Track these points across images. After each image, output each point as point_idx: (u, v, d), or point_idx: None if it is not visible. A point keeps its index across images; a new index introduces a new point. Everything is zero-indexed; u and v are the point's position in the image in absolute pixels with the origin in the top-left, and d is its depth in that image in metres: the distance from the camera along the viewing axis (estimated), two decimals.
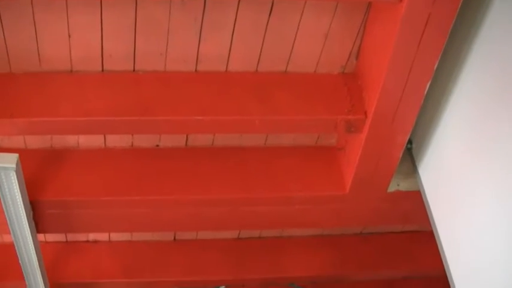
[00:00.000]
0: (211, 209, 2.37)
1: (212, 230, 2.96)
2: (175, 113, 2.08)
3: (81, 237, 3.15)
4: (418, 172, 2.33)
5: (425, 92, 2.02)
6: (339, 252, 3.30)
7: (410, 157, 2.38)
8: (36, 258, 2.57)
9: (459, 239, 2.16)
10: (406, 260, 3.43)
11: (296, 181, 2.33)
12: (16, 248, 2.52)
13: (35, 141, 2.41)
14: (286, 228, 3.02)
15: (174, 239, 3.18)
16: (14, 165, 1.99)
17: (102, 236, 3.15)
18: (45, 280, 2.83)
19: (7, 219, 2.28)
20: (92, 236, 3.15)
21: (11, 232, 2.38)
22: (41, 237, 2.85)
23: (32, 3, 1.87)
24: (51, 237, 3.10)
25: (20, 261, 2.62)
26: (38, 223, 2.40)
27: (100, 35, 2.00)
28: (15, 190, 2.07)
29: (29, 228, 2.32)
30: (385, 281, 3.77)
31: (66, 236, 3.13)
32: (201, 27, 1.99)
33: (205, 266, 3.15)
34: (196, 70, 2.16)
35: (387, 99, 2.01)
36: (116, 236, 3.15)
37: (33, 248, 2.49)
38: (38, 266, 2.64)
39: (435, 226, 2.22)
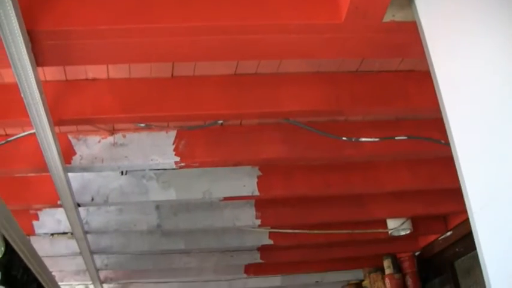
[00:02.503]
0: (208, 37, 2.38)
1: (209, 60, 2.99)
2: None
3: (80, 75, 3.19)
4: (414, 2, 2.31)
5: None
6: (334, 88, 3.35)
7: None
8: (38, 91, 2.62)
9: (457, 78, 2.18)
10: (401, 99, 3.48)
11: (292, 9, 2.32)
12: (18, 83, 2.57)
13: None
14: (283, 58, 3.05)
15: (172, 75, 3.22)
16: None
17: (101, 74, 3.19)
18: (48, 115, 2.90)
19: (7, 52, 2.30)
20: (90, 74, 3.19)
21: (12, 66, 2.41)
22: (41, 76, 2.88)
23: None
24: (50, 75, 3.14)
25: (22, 96, 2.67)
26: (37, 55, 2.42)
27: None
28: (12, 18, 2.06)
29: (28, 60, 2.35)
30: (378, 122, 3.88)
31: (65, 75, 3.17)
32: None
33: (202, 100, 3.22)
34: None
35: None
36: (114, 74, 3.19)
37: (34, 81, 2.54)
38: (41, 100, 2.70)
39: (431, 62, 2.22)
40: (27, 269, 4.06)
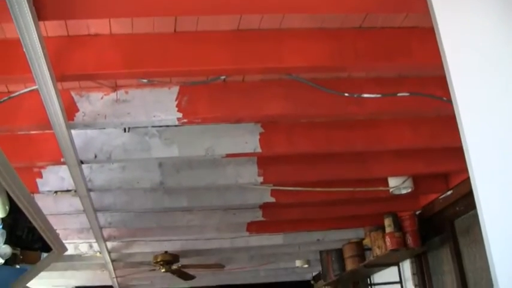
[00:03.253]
0: None
1: (212, 14, 2.97)
2: None
3: (82, 30, 3.17)
4: None
5: None
6: (337, 44, 3.34)
7: None
8: (40, 46, 2.62)
9: (460, 34, 2.16)
10: (404, 55, 3.45)
11: None
12: (20, 37, 2.56)
13: None
14: (286, 13, 3.04)
15: (175, 30, 3.20)
16: None
17: (103, 29, 3.17)
18: (50, 70, 2.90)
19: (8, 5, 2.29)
20: (93, 29, 3.18)
21: (14, 19, 2.40)
22: (43, 32, 2.87)
23: None
24: (52, 31, 3.12)
25: (25, 51, 2.67)
26: (38, 9, 2.42)
27: None
28: None
29: (30, 14, 2.34)
30: (381, 79, 3.87)
31: (67, 30, 3.16)
32: None
33: (205, 56, 3.21)
34: None
35: None
36: (116, 29, 3.17)
37: (36, 35, 2.53)
38: (43, 54, 2.70)
39: (435, 18, 2.20)
40: (31, 229, 4.09)
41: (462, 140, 2.08)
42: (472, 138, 2.09)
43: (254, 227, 6.66)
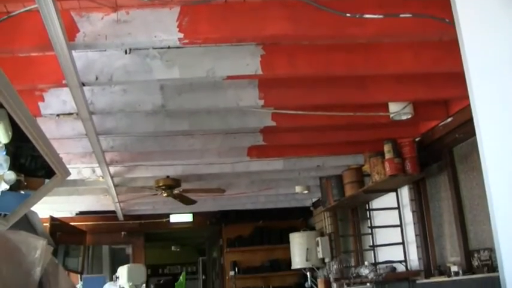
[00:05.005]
0: None
1: None
2: None
3: None
4: None
5: None
6: None
7: None
8: None
9: None
10: None
11: None
12: None
13: None
14: None
15: None
16: None
17: None
18: None
19: None
20: None
21: None
22: None
23: None
24: None
25: None
26: None
27: None
28: None
29: None
30: (383, 0, 3.83)
31: None
32: None
33: None
34: None
35: None
36: None
37: None
38: None
39: None
40: (35, 157, 4.12)
41: (464, 63, 2.08)
42: (473, 62, 2.10)
43: (255, 152, 6.72)
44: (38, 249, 1.87)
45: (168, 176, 7.59)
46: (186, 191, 8.03)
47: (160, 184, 7.66)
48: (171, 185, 7.67)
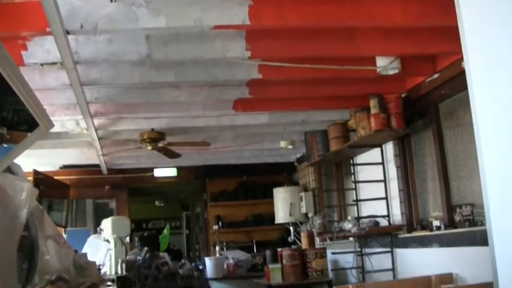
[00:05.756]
0: None
1: None
2: None
3: None
4: None
5: None
6: None
7: None
8: None
9: None
10: None
11: None
12: None
13: None
14: None
15: None
16: None
17: None
18: None
19: None
20: None
21: None
22: None
23: None
24: None
25: None
26: None
27: None
28: None
29: None
30: None
31: None
32: None
33: None
34: None
35: None
36: None
37: None
38: None
39: None
40: (17, 111, 4.05)
41: (458, 18, 2.07)
42: (467, 16, 2.09)
43: (240, 105, 6.68)
44: (24, 191, 1.86)
45: (152, 129, 7.55)
46: (171, 144, 8.00)
47: (145, 137, 7.63)
48: (155, 138, 7.64)
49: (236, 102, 6.62)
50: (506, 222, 1.97)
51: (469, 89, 2.10)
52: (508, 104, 2.01)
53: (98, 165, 10.40)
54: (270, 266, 7.56)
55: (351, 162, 8.11)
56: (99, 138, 7.82)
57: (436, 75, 6.03)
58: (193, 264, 7.79)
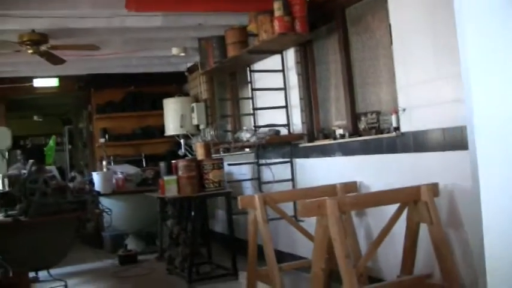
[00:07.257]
0: None
1: None
2: None
3: None
4: None
5: None
6: None
7: None
8: None
9: None
10: None
11: None
12: None
13: None
14: None
15: None
16: None
17: None
18: None
19: None
20: None
21: None
22: None
23: None
24: None
25: None
26: None
27: None
28: None
29: None
30: None
31: None
32: None
33: None
34: None
35: None
36: None
37: None
38: None
39: None
40: None
41: None
42: None
43: (133, 4, 6.02)
44: None
45: (33, 30, 6.75)
46: (55, 47, 7.22)
47: (25, 39, 6.81)
48: (37, 40, 6.84)
49: (129, 0, 5.96)
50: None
51: None
52: None
53: None
54: (165, 177, 7.18)
55: (249, 69, 7.73)
56: None
57: None
58: (84, 178, 7.29)
